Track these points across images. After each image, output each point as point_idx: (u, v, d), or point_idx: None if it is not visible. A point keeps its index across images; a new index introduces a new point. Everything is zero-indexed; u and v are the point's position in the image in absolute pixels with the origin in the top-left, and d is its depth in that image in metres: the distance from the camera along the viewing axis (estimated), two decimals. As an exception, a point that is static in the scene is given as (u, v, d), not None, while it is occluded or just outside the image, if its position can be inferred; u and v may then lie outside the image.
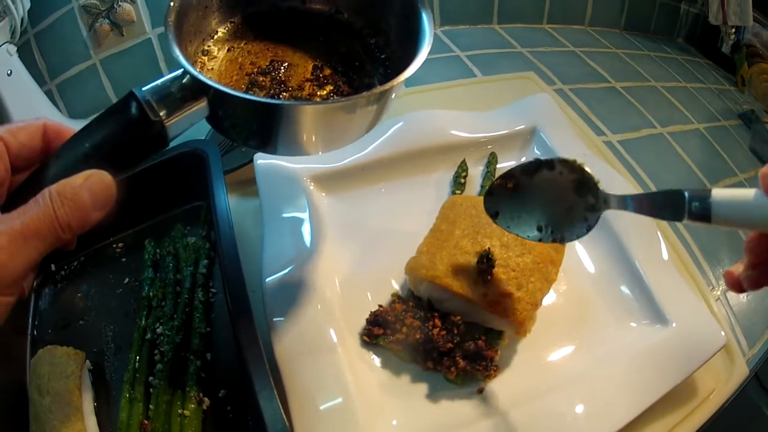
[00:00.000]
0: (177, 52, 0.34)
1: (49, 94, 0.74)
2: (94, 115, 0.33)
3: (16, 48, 0.67)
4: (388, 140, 0.65)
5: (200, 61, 0.42)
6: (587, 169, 0.40)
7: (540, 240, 0.43)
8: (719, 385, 0.53)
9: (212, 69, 0.42)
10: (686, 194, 0.32)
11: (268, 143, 0.37)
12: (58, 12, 0.72)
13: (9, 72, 0.67)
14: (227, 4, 0.43)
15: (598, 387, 0.48)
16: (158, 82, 0.33)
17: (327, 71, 0.43)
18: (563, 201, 0.41)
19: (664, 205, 0.34)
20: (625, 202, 0.38)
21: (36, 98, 0.70)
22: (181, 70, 0.33)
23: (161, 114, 0.32)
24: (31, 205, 0.29)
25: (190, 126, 0.34)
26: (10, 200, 0.32)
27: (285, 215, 0.57)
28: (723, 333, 0.51)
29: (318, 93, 0.41)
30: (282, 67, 0.42)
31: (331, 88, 0.42)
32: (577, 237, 0.41)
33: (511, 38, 0.97)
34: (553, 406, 0.47)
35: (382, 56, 0.45)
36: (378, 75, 0.44)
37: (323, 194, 0.62)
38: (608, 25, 1.12)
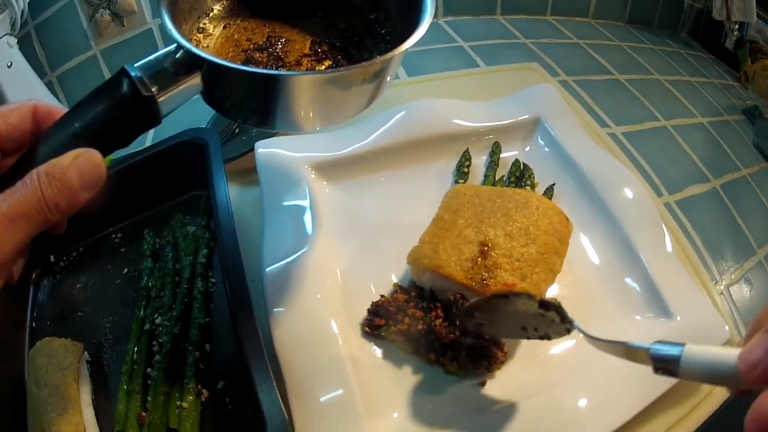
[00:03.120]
0: (170, 26, 0.33)
1: (49, 86, 0.73)
2: None
3: (16, 40, 0.67)
4: (391, 129, 0.64)
5: (195, 39, 0.41)
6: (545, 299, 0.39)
7: (527, 338, 0.42)
8: (722, 380, 0.53)
9: (207, 46, 0.41)
10: (654, 353, 0.32)
11: (265, 118, 0.36)
12: (58, 3, 0.72)
13: (9, 64, 0.66)
14: None
15: (602, 381, 0.47)
16: (151, 57, 0.32)
17: (325, 47, 0.42)
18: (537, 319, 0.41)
19: (633, 356, 0.34)
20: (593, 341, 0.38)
21: (36, 90, 0.70)
22: (174, 45, 0.32)
23: (153, 89, 0.31)
24: (18, 186, 0.28)
25: (183, 102, 0.33)
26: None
27: (286, 204, 0.57)
28: (727, 327, 0.51)
29: (316, 68, 0.40)
30: (279, 43, 0.41)
31: (330, 63, 0.41)
32: (560, 335, 0.41)
33: (514, 29, 0.97)
34: (556, 399, 0.46)
35: (383, 31, 0.44)
36: (378, 50, 0.43)
37: (324, 183, 0.61)
38: (612, 18, 1.11)
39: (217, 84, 0.34)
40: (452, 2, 0.94)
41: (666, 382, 0.47)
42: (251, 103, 0.36)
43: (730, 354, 0.29)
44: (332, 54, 0.41)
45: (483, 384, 0.48)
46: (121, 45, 0.77)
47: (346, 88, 0.36)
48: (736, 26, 1.10)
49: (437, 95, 0.70)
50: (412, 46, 0.36)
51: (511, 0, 0.99)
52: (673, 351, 0.31)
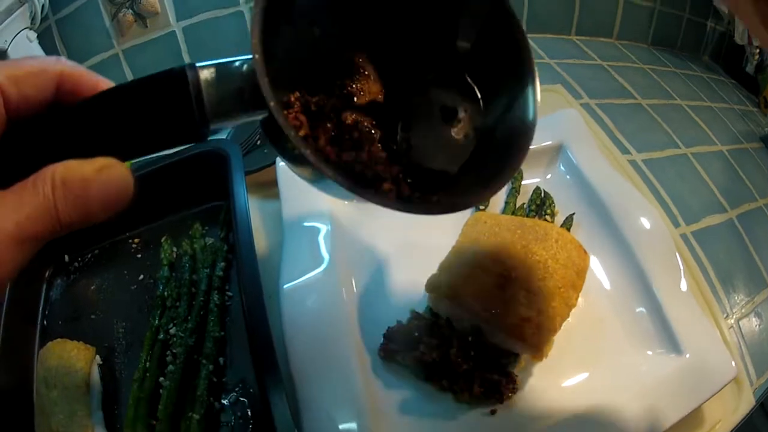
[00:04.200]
0: (256, 40, 0.26)
1: (69, 82, 0.73)
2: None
3: (36, 35, 0.67)
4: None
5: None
6: None
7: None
8: (726, 415, 0.53)
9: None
10: None
11: (304, 178, 0.32)
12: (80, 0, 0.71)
13: (28, 59, 0.66)
14: None
15: (610, 416, 0.47)
16: (223, 63, 0.27)
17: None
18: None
19: None
20: None
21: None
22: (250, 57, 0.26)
23: (208, 115, 0.26)
24: (29, 193, 0.23)
25: (235, 125, 0.30)
26: (7, 157, 0.25)
27: (306, 222, 0.56)
28: (734, 364, 0.51)
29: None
30: (359, 74, 0.35)
31: None
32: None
33: (539, 48, 0.96)
34: (565, 431, 0.46)
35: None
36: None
37: (346, 203, 0.61)
38: (636, 39, 1.10)
39: (279, 138, 0.29)
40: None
41: (671, 417, 0.47)
42: (302, 169, 0.31)
43: None
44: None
45: (493, 413, 0.48)
46: (144, 46, 0.76)
47: None
48: (758, 51, 1.09)
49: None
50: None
51: (536, 18, 0.98)
52: None
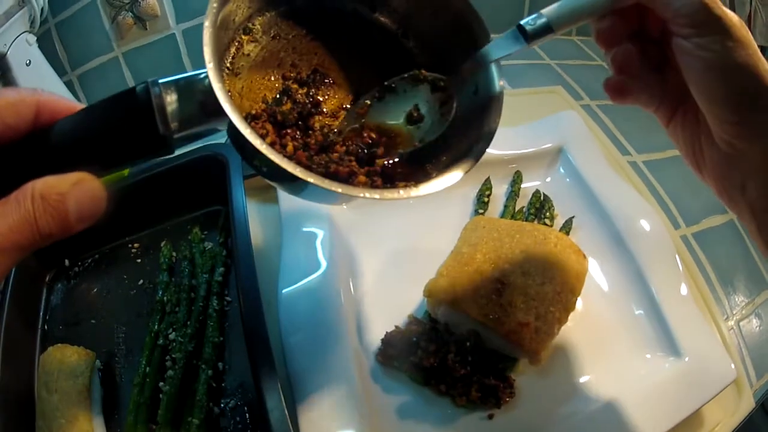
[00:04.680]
0: (207, 49, 0.28)
1: (69, 85, 0.73)
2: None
3: (35, 38, 0.66)
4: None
5: (238, 41, 0.36)
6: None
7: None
8: (726, 417, 0.53)
9: (248, 54, 0.36)
10: (521, 23, 0.32)
11: (286, 189, 0.35)
12: (79, 2, 0.71)
13: (28, 62, 0.66)
14: None
15: (609, 419, 0.47)
16: (182, 77, 0.28)
17: (368, 104, 0.37)
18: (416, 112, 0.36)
19: (509, 36, 0.33)
20: (477, 61, 0.35)
21: (55, 89, 0.69)
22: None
23: (173, 125, 0.28)
24: (11, 207, 0.25)
25: (202, 137, 0.30)
26: None
27: (304, 227, 0.56)
28: (734, 367, 0.51)
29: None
30: (323, 83, 0.38)
31: None
32: (441, 131, 0.36)
33: (539, 49, 0.95)
34: (563, 436, 0.46)
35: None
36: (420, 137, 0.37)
37: (344, 207, 0.61)
38: (637, 39, 1.10)
39: (241, 143, 0.30)
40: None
41: (670, 420, 0.47)
42: (273, 177, 0.33)
43: None
44: None
45: (491, 417, 0.48)
46: (144, 49, 0.76)
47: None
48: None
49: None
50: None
51: (537, 18, 0.98)
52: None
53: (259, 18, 0.37)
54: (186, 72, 0.29)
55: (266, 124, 0.34)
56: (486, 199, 0.63)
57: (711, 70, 0.31)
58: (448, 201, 0.64)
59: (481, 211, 0.62)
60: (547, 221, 0.62)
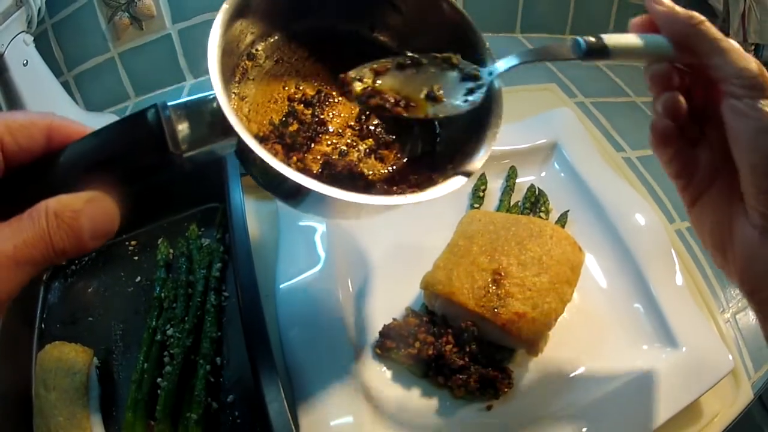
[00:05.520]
0: (214, 72, 0.29)
1: (65, 85, 0.73)
2: (109, 110, 0.30)
3: (32, 38, 0.67)
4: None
5: (243, 66, 0.37)
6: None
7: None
8: (724, 408, 0.53)
9: (253, 79, 0.38)
10: (580, 38, 0.33)
11: (290, 203, 0.36)
12: (76, 3, 0.71)
13: (25, 62, 0.66)
14: (287, 7, 0.38)
15: (607, 409, 0.48)
16: (190, 100, 0.29)
17: (373, 120, 0.39)
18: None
19: (563, 47, 0.34)
20: (519, 58, 0.35)
21: (52, 89, 0.69)
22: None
23: (183, 146, 0.29)
24: (25, 223, 0.26)
25: (213, 157, 0.31)
26: (4, 197, 0.29)
27: (301, 222, 0.57)
28: (731, 357, 0.51)
29: (357, 145, 0.38)
30: (327, 102, 0.39)
31: (371, 143, 0.38)
32: (459, 110, 0.36)
33: (531, 47, 0.96)
34: (561, 426, 0.47)
35: (437, 121, 0.40)
36: (424, 141, 0.39)
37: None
38: (630, 38, 1.11)
39: (250, 161, 0.32)
40: (473, 19, 0.93)
41: (669, 411, 0.47)
42: (278, 189, 0.35)
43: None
44: (376, 134, 0.38)
45: (489, 408, 0.48)
46: (140, 49, 0.76)
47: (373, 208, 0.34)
48: (752, 48, 1.09)
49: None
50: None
51: (531, 18, 0.99)
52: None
53: (262, 44, 0.38)
54: (192, 93, 0.30)
55: (275, 145, 0.35)
56: (481, 194, 0.63)
57: (763, 132, 0.31)
58: (443, 197, 0.63)
59: (476, 205, 0.63)
60: (542, 215, 0.62)
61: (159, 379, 0.48)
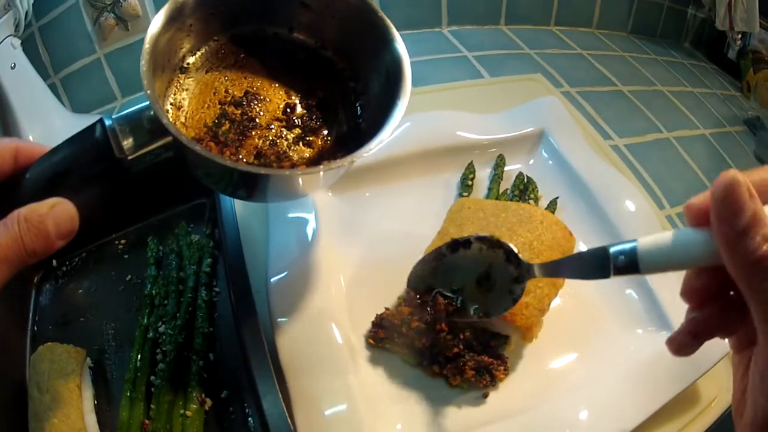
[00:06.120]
0: (146, 82, 0.34)
1: (53, 88, 0.73)
2: (96, 111, 0.35)
3: (20, 41, 0.67)
4: (396, 141, 0.64)
5: (177, 79, 0.42)
6: (505, 242, 0.43)
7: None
8: (722, 392, 0.53)
9: (187, 89, 0.42)
10: (610, 250, 0.31)
11: (222, 191, 0.41)
12: (62, 5, 0.72)
13: (13, 65, 0.66)
14: (212, 22, 0.43)
15: (603, 394, 0.48)
16: (130, 111, 0.34)
17: (298, 112, 0.43)
18: (486, 277, 0.45)
19: (590, 265, 0.33)
20: (551, 269, 0.40)
21: (40, 92, 0.69)
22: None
23: (126, 150, 0.33)
24: (0, 229, 0.30)
25: (157, 160, 0.36)
26: None
27: (290, 215, 0.57)
28: (727, 340, 0.51)
29: (285, 135, 0.42)
30: (255, 100, 0.43)
31: (299, 132, 0.43)
32: (505, 310, 0.44)
33: (518, 39, 0.97)
34: (558, 412, 0.47)
35: (358, 103, 0.45)
36: (348, 122, 0.44)
37: (329, 194, 0.61)
38: (615, 29, 1.12)
39: (183, 155, 0.36)
40: (457, 11, 0.94)
41: (666, 395, 0.47)
42: (210, 178, 0.39)
43: (685, 231, 0.28)
44: (303, 122, 0.43)
45: (486, 396, 0.48)
46: (126, 49, 0.76)
47: (300, 181, 0.39)
48: (739, 36, 1.10)
49: (441, 106, 0.71)
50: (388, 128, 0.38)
51: (516, 10, 0.99)
52: (627, 245, 0.30)
53: (192, 57, 0.43)
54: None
55: (210, 143, 0.40)
56: (470, 183, 0.64)
57: None
58: (431, 186, 0.64)
59: (465, 194, 0.63)
60: (531, 202, 0.62)
61: (152, 377, 0.48)
